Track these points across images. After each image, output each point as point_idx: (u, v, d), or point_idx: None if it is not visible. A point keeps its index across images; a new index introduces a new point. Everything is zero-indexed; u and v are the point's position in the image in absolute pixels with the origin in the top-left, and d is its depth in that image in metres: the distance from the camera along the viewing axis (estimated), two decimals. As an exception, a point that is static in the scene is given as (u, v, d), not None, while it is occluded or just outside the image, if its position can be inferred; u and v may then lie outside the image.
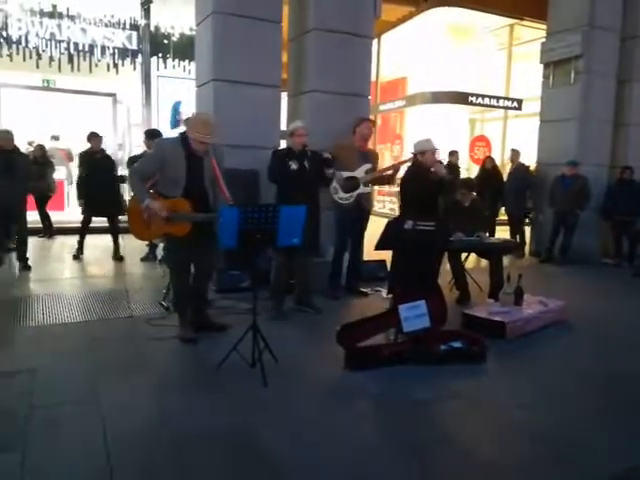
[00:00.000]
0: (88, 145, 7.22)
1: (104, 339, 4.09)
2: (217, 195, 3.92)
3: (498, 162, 10.34)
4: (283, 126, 6.12)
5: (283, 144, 5.66)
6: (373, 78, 14.04)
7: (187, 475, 2.40)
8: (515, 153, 8.86)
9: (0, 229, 6.37)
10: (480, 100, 14.25)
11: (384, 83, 16.39)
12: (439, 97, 14.23)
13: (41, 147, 8.67)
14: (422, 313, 3.93)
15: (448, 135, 14.27)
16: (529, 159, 9.11)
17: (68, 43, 9.96)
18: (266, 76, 5.82)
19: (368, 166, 5.31)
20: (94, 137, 7.20)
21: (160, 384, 3.36)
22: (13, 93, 10.72)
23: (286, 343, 3.94)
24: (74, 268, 6.75)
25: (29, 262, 6.47)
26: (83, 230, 7.25)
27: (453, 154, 9.32)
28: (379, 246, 4.21)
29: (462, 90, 14.15)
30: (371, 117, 12.84)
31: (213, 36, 5.62)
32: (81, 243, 7.21)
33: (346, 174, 5.26)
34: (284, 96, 6.54)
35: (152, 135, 6.54)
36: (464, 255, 5.94)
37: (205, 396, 3.16)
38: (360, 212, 5.41)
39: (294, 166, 4.63)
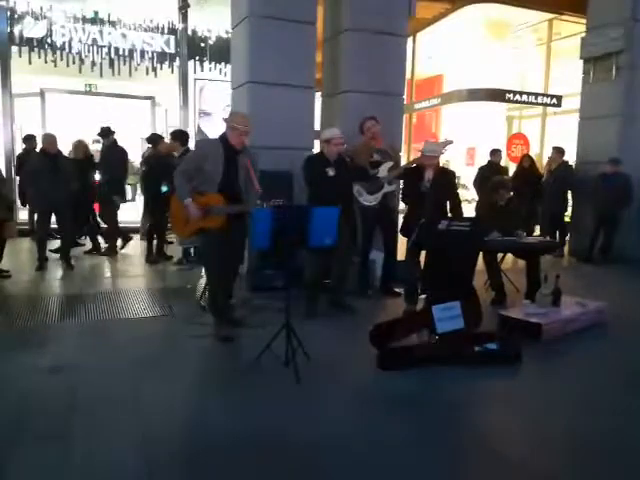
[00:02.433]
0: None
1: (143, 337, 4.22)
2: (250, 193, 4.05)
3: (537, 160, 10.12)
4: (317, 127, 6.17)
5: (317, 144, 5.71)
6: (408, 76, 13.94)
7: (220, 474, 2.45)
8: (557, 151, 8.65)
9: (45, 229, 6.63)
10: (518, 97, 13.96)
11: (419, 81, 16.25)
12: (475, 94, 14.02)
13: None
14: (457, 314, 3.91)
15: (484, 133, 14.07)
16: (568, 157, 8.89)
17: (109, 48, 10.24)
18: (300, 77, 5.88)
19: (390, 164, 5.27)
20: (162, 139, 7.42)
21: (196, 382, 3.45)
22: (57, 97, 11.10)
23: (319, 342, 3.98)
24: (115, 267, 6.95)
25: (72, 261, 6.70)
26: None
27: (495, 153, 9.17)
28: (413, 247, 4.22)
29: (499, 87, 13.91)
30: (405, 116, 12.70)
31: (248, 39, 5.71)
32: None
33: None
34: (318, 97, 6.59)
35: (179, 136, 6.92)
36: (500, 255, 5.86)
37: (239, 394, 3.22)
38: (386, 211, 5.39)
39: (331, 173, 4.66)
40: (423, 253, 4.64)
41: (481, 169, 9.23)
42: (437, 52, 15.23)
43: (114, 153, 7.60)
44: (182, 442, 2.72)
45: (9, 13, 9.57)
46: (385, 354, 3.70)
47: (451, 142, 5.51)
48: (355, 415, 3.02)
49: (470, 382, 3.52)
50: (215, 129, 9.02)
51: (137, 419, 2.88)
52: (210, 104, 10.93)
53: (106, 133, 7.66)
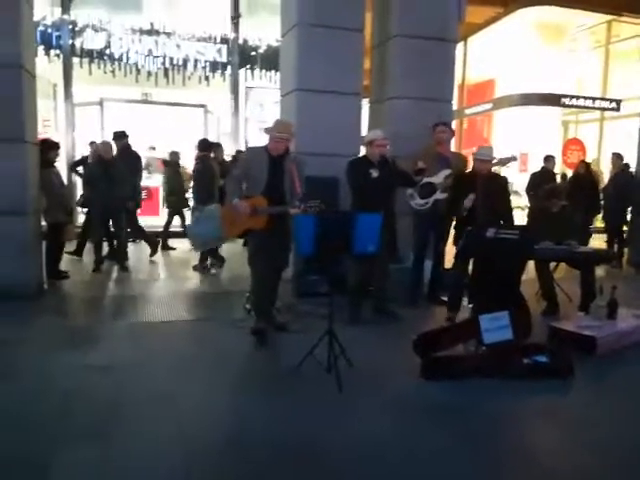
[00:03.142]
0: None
1: (188, 339, 4.32)
2: (293, 197, 4.20)
3: (594, 166, 9.75)
4: (364, 133, 6.16)
5: (363, 151, 5.69)
6: (458, 81, 13.72)
7: (255, 476, 2.47)
8: (617, 157, 8.30)
9: (101, 232, 6.89)
10: (574, 101, 13.53)
11: (470, 86, 16.00)
12: (529, 99, 13.67)
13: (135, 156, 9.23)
14: (505, 324, 3.80)
15: (538, 138, 13.67)
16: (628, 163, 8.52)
17: (164, 58, 10.59)
18: (348, 84, 5.89)
19: (447, 172, 5.18)
20: (218, 147, 7.61)
21: (238, 385, 3.50)
22: (115, 106, 11.54)
23: (362, 349, 3.95)
24: (166, 270, 7.14)
25: (127, 264, 6.93)
26: None
27: (549, 159, 8.91)
28: (460, 254, 4.14)
29: (554, 91, 13.50)
30: (456, 122, 12.52)
31: (297, 47, 5.77)
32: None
33: (423, 180, 5.19)
34: (366, 103, 6.58)
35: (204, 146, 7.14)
36: (553, 264, 5.66)
37: (280, 399, 3.24)
38: (437, 218, 5.30)
39: (375, 174, 4.64)
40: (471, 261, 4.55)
41: (533, 175, 8.98)
42: (489, 56, 14.95)
43: (126, 157, 7.47)
44: (220, 442, 2.76)
45: (71, 26, 10.04)
46: (429, 363, 3.63)
47: (515, 159, 5.39)
48: (394, 425, 2.98)
49: (517, 395, 3.41)
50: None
51: (179, 419, 2.94)
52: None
53: (119, 136, 7.61)
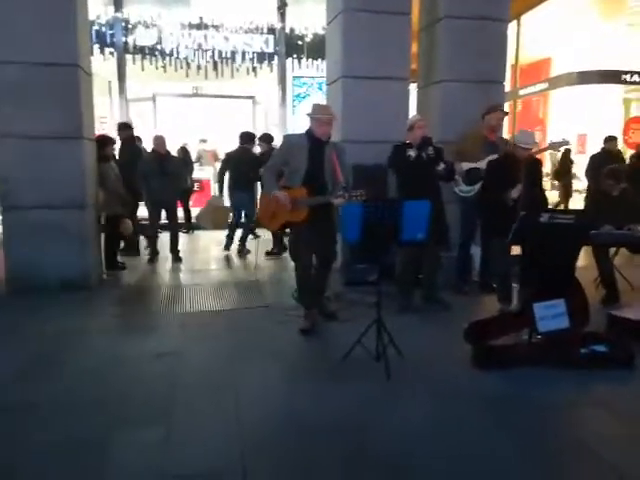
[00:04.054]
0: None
1: (241, 327, 4.40)
2: (336, 186, 4.09)
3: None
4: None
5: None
6: (512, 61, 13.24)
7: (309, 465, 2.50)
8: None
9: (156, 225, 7.10)
10: (636, 78, 12.80)
11: (524, 66, 15.38)
12: (587, 77, 13.03)
13: (183, 149, 9.45)
14: (561, 312, 3.68)
15: (597, 118, 13.05)
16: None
17: (213, 51, 10.75)
18: (395, 69, 5.81)
19: (494, 157, 5.02)
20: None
21: (287, 372, 3.53)
22: (167, 101, 11.84)
23: (412, 338, 3.92)
24: (218, 260, 7.30)
25: (180, 254, 7.12)
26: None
27: (610, 140, 8.50)
28: (512, 240, 4.01)
29: (614, 68, 12.82)
30: (509, 103, 12.09)
31: (342, 33, 5.73)
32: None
33: (467, 166, 5.06)
34: (413, 88, 6.47)
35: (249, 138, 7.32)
36: (613, 250, 5.42)
37: (330, 387, 3.25)
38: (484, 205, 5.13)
39: (412, 154, 4.54)
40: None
41: (593, 157, 8.60)
42: (544, 34, 14.33)
43: (128, 148, 7.40)
44: (274, 428, 2.81)
45: (123, 24, 10.33)
46: (481, 352, 3.57)
47: (567, 143, 5.16)
48: (445, 414, 2.95)
49: (574, 386, 3.30)
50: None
51: (234, 405, 3.01)
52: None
53: (121, 127, 7.61)
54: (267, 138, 7.67)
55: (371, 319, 3.59)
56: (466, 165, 5.09)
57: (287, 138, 4.44)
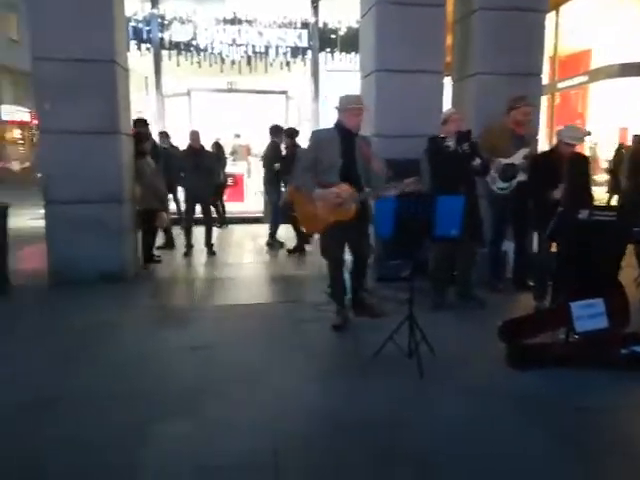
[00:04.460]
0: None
1: (274, 321, 4.44)
2: (372, 177, 4.04)
3: None
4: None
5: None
6: (550, 53, 12.91)
7: (340, 461, 2.50)
8: None
9: (191, 218, 7.20)
10: (682, 69, 12.34)
11: (563, 57, 15.00)
12: (629, 69, 12.62)
13: (216, 144, 9.55)
14: (599, 312, 3.58)
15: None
16: None
17: (246, 46, 10.80)
18: (429, 62, 5.72)
19: (525, 151, 4.87)
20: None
21: (321, 369, 3.53)
22: (202, 96, 11.95)
23: (445, 335, 3.88)
24: (252, 254, 7.36)
25: (214, 248, 7.21)
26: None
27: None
28: (549, 236, 3.92)
29: (658, 59, 12.38)
30: (547, 97, 11.75)
31: (376, 27, 5.67)
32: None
33: (504, 161, 4.93)
34: (448, 81, 6.37)
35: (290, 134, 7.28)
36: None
37: (361, 384, 3.25)
38: (519, 201, 5.02)
39: (450, 144, 4.47)
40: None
41: (631, 153, 8.32)
42: (584, 25, 13.92)
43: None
44: (305, 422, 2.82)
45: (159, 20, 10.48)
46: (516, 351, 3.50)
47: (589, 134, 4.98)
48: (478, 413, 2.90)
49: (612, 387, 3.21)
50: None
51: (267, 398, 3.04)
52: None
53: (136, 124, 7.19)
54: (290, 133, 7.57)
55: (403, 316, 3.56)
56: (504, 160, 4.97)
57: (316, 134, 4.35)
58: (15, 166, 17.95)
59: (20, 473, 2.40)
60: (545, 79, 6.15)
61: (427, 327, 3.57)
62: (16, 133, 21.40)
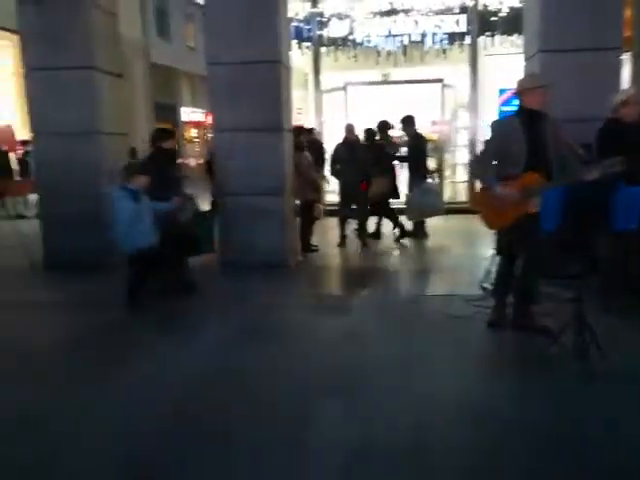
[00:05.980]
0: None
1: (427, 314, 4.43)
2: (569, 162, 3.64)
3: None
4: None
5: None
6: None
7: (495, 457, 2.43)
8: None
9: (346, 210, 7.40)
10: None
11: None
12: None
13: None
14: None
15: None
16: None
17: (402, 37, 10.72)
18: (604, 38, 5.21)
19: None
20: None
21: (476, 364, 3.47)
22: (357, 89, 12.13)
23: (620, 339, 3.54)
24: (400, 247, 7.36)
25: (366, 239, 7.33)
26: None
27: None
28: None
29: None
30: None
31: (541, 3, 5.29)
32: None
33: None
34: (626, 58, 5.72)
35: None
36: None
37: (525, 383, 3.12)
38: None
39: (632, 136, 3.99)
40: None
41: None
42: None
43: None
44: (451, 415, 2.80)
45: (318, 18, 10.84)
46: None
47: None
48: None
49: None
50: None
51: (415, 386, 3.06)
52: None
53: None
54: (382, 126, 7.64)
55: (569, 316, 3.30)
56: None
57: (496, 124, 4.04)
58: (192, 162, 19.98)
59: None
60: None
61: (599, 329, 3.26)
62: (193, 132, 23.74)
